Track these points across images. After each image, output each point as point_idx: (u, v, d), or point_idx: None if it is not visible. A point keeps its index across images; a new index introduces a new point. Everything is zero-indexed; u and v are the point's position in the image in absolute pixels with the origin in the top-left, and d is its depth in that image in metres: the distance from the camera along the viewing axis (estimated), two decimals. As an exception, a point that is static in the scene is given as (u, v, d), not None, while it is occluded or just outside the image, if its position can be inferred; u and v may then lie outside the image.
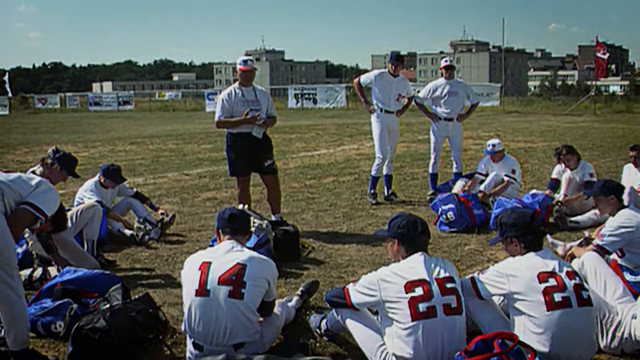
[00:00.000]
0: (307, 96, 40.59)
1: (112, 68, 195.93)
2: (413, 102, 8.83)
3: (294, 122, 26.32)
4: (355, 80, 8.86)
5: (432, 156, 8.88)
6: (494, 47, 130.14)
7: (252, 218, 5.48)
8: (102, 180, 6.94)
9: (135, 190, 7.46)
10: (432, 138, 8.84)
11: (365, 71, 8.55)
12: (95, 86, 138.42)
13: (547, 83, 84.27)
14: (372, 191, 8.76)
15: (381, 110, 8.42)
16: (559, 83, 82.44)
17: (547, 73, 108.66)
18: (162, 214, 7.20)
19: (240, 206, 6.20)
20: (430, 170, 8.94)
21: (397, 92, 8.38)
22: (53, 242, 5.13)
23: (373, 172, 8.73)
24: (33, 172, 5.60)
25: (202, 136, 20.24)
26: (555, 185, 7.97)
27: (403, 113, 8.63)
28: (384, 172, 8.73)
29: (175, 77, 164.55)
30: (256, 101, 6.85)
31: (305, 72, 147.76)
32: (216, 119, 6.88)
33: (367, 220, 7.66)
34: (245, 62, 6.80)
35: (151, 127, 26.57)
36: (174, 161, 13.88)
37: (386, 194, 8.75)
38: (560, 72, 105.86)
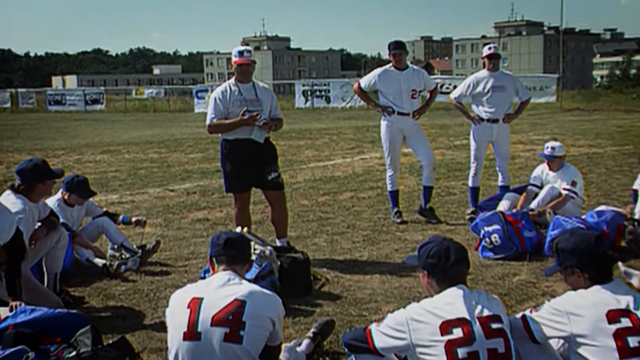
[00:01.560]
0: (318, 93, 40.80)
1: (76, 58, 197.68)
2: (450, 100, 8.91)
3: (303, 125, 26.45)
4: (355, 86, 8.98)
5: (473, 166, 8.93)
6: (549, 28, 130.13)
7: (252, 243, 5.53)
8: (65, 197, 7.02)
9: (104, 209, 7.55)
10: (473, 144, 8.90)
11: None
12: (56, 80, 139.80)
13: (617, 72, 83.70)
14: (396, 209, 8.84)
15: (393, 111, 8.51)
16: (633, 72, 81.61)
17: (618, 59, 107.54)
18: (137, 222, 7.34)
19: (238, 229, 6.25)
20: (470, 184, 8.99)
21: (409, 87, 8.48)
22: (17, 281, 4.98)
23: (389, 187, 8.90)
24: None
25: (190, 143, 20.41)
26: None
27: (423, 113, 8.71)
28: (424, 182, 8.82)
29: (156, 70, 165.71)
30: (257, 100, 6.93)
31: (316, 64, 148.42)
32: (208, 122, 6.95)
33: (393, 244, 7.70)
34: (241, 53, 6.88)
35: (127, 132, 26.82)
36: (156, 174, 14.01)
37: (422, 206, 8.80)
38: (636, 58, 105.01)
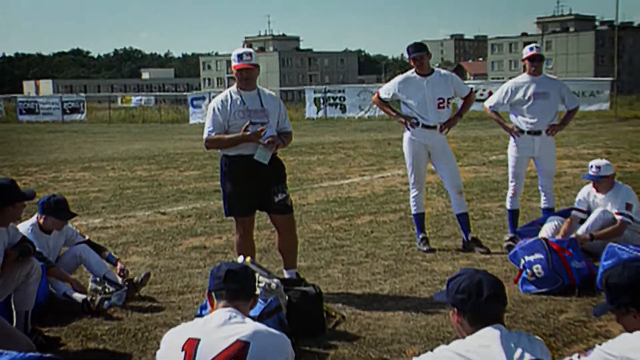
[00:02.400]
0: (332, 101, 40.95)
1: (52, 60, 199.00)
2: (485, 109, 8.94)
3: (315, 139, 26.52)
4: (374, 97, 9.09)
5: (511, 185, 8.94)
6: (601, 23, 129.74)
7: (257, 275, 5.56)
8: (41, 221, 7.07)
9: (87, 237, 7.59)
10: (511, 159, 8.91)
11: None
12: (28, 86, 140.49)
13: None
14: (421, 235, 8.89)
15: (418, 123, 8.58)
16: None
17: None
18: (121, 270, 7.28)
19: (241, 259, 6.30)
20: (509, 206, 9.00)
21: (435, 95, 8.53)
22: None
23: (413, 210, 8.98)
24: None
25: (184, 159, 20.53)
26: None
27: (453, 125, 8.74)
28: (455, 210, 8.88)
29: (146, 74, 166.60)
30: (262, 111, 6.99)
31: (330, 67, 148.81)
32: (205, 135, 7.02)
33: (418, 276, 7.72)
34: (240, 56, 6.93)
35: (111, 146, 26.99)
36: (146, 194, 14.12)
37: (464, 239, 8.83)
38: None
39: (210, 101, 44.50)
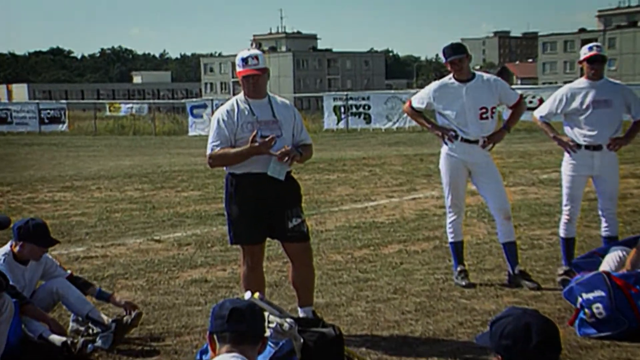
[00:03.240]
0: (354, 110, 41.03)
1: (27, 61, 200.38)
2: (534, 119, 8.93)
3: (334, 154, 26.54)
4: (405, 105, 9.14)
5: (566, 209, 8.91)
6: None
7: (266, 314, 5.58)
8: (16, 249, 7.10)
9: (69, 271, 7.60)
10: (566, 179, 8.89)
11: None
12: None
13: None
14: (460, 268, 8.90)
15: (456, 136, 8.60)
16: None
17: None
18: (126, 305, 7.24)
19: (248, 294, 6.32)
20: (563, 233, 8.97)
21: (476, 104, 8.55)
22: None
23: (450, 237, 8.99)
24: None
25: (183, 177, 20.62)
26: None
27: (499, 140, 8.75)
28: (500, 238, 8.88)
29: (137, 78, 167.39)
30: (274, 122, 7.04)
31: (352, 70, 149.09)
32: (209, 151, 7.08)
33: (456, 316, 7.72)
34: (244, 61, 6.98)
35: (97, 162, 27.13)
36: (137, 219, 14.19)
37: (510, 272, 8.82)
38: None
39: (212, 110, 44.58)
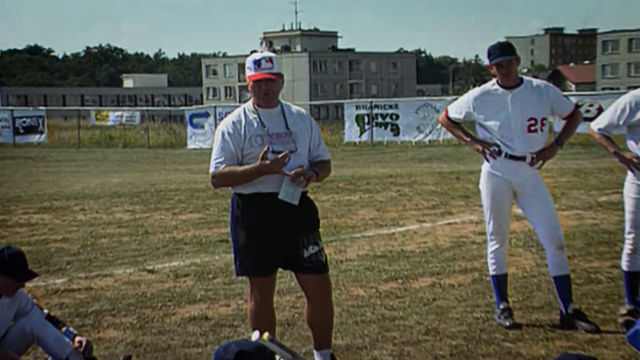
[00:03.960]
0: (380, 120, 41.07)
1: (0, 61, 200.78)
2: (591, 132, 8.92)
3: (357, 171, 26.56)
4: (441, 116, 9.14)
5: (629, 238, 8.87)
6: None
7: (277, 358, 5.60)
8: (-13, 283, 7.11)
9: (46, 311, 7.59)
10: (629, 202, 8.85)
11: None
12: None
13: None
14: (502, 305, 8.88)
15: (500, 152, 8.60)
16: None
17: None
18: (81, 347, 7.17)
19: (255, 335, 6.30)
20: (625, 266, 8.91)
21: (524, 114, 8.53)
22: None
23: (491, 269, 8.94)
24: None
25: (181, 197, 20.70)
26: None
27: (551, 156, 8.73)
28: (552, 271, 8.84)
29: (129, 82, 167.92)
30: (288, 134, 7.07)
31: (378, 74, 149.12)
32: (212, 169, 7.10)
33: (499, 362, 7.72)
34: (257, 64, 7.01)
35: (81, 179, 27.24)
36: (127, 245, 14.22)
37: (562, 310, 8.82)
38: None
39: (215, 119, 44.70)
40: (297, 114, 7.22)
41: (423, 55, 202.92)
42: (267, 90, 7.02)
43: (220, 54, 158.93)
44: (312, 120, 7.31)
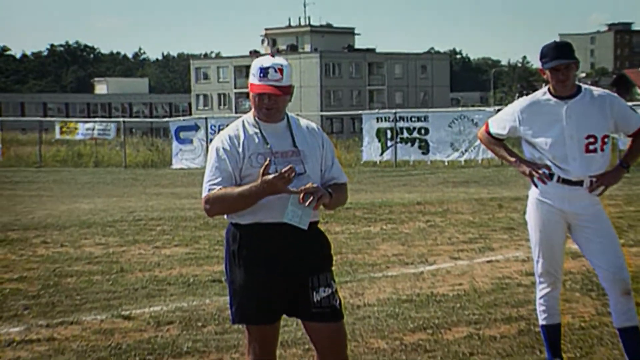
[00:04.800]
0: (406, 135, 41.18)
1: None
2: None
3: (378, 196, 26.65)
4: (480, 131, 9.16)
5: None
6: None
7: None
8: None
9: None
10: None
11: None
12: None
13: None
14: (551, 358, 8.86)
15: (551, 175, 8.57)
16: None
17: None
18: None
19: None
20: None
21: (581, 131, 8.51)
22: None
23: (541, 318, 8.91)
24: None
25: (165, 227, 20.81)
26: None
27: (614, 182, 8.68)
28: (616, 322, 8.78)
29: (102, 87, 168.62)
30: (294, 153, 7.09)
31: (404, 79, 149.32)
32: (204, 192, 7.08)
33: None
34: (264, 72, 6.95)
35: (44, 205, 27.43)
36: (98, 286, 14.28)
37: None
38: None
39: (207, 133, 45.02)
40: (306, 129, 7.22)
41: (458, 56, 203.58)
42: (269, 105, 7.00)
43: (213, 54, 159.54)
44: (324, 137, 7.28)
